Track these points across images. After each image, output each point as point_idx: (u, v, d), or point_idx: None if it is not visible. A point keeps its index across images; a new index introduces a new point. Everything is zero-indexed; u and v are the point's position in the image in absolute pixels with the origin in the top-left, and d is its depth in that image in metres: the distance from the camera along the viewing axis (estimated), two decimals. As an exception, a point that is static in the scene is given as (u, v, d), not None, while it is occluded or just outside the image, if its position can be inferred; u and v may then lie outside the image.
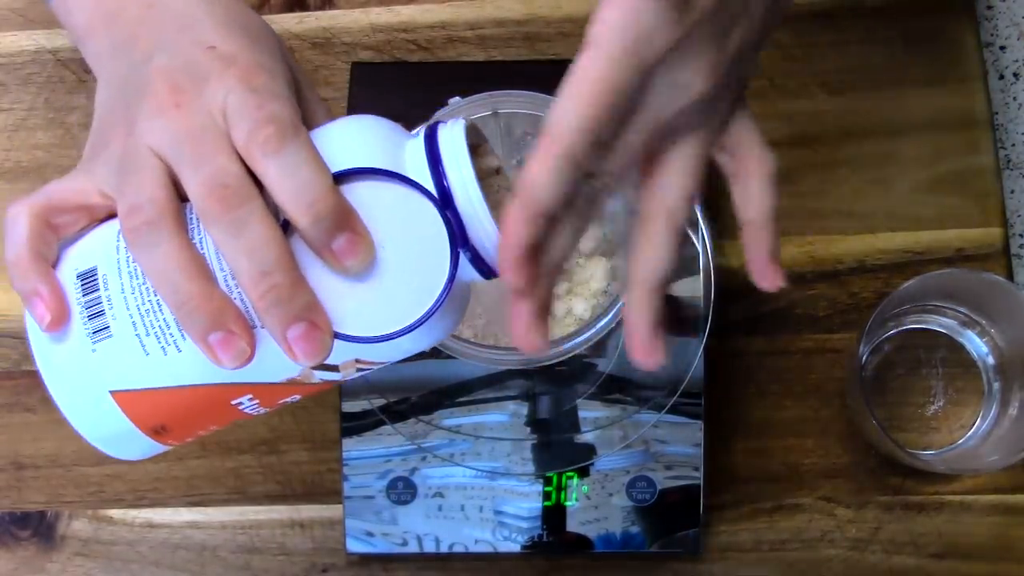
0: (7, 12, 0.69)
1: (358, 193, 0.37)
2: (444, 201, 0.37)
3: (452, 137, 0.38)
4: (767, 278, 0.43)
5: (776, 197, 0.42)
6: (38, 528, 0.63)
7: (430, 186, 0.37)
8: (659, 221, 0.39)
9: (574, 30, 0.67)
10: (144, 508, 0.64)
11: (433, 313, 0.37)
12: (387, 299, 0.37)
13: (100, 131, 0.42)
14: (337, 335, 0.36)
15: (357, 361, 0.39)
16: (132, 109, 0.39)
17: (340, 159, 0.37)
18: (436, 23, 0.67)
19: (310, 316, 0.36)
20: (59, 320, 0.38)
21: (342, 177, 0.37)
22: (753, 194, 0.42)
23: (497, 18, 0.67)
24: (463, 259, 0.38)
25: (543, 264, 0.37)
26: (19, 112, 0.68)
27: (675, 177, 0.39)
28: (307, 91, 0.44)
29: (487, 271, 0.38)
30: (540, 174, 0.35)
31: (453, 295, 0.38)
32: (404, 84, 0.64)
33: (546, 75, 0.64)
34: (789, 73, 0.66)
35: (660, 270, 0.39)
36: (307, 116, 0.42)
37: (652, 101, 0.36)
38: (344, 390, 0.59)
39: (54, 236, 0.40)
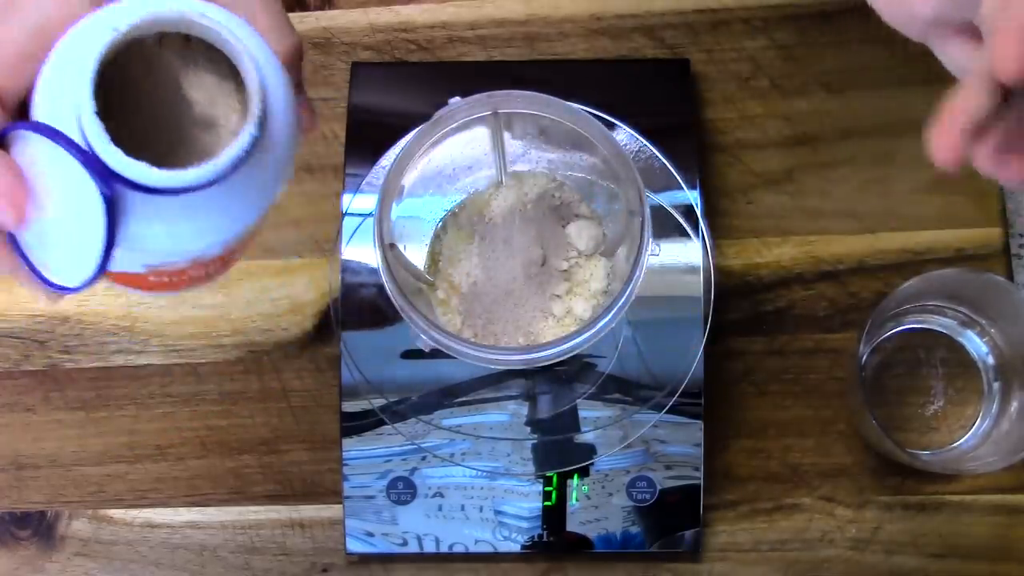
0: (7, 12, 0.69)
1: (19, 145, 0.35)
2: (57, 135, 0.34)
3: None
4: None
5: None
6: (38, 528, 0.63)
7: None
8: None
9: (574, 30, 0.67)
10: (144, 508, 0.64)
11: (111, 249, 0.35)
12: (68, 243, 0.36)
13: None
14: (51, 285, 0.37)
15: (150, 269, 0.38)
16: None
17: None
18: (436, 23, 0.67)
19: None
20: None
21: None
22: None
23: (497, 18, 0.67)
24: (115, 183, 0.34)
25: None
26: (19, 112, 0.68)
27: None
28: None
29: (134, 184, 0.34)
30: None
31: (140, 217, 0.35)
32: (404, 84, 0.64)
33: (546, 75, 0.65)
34: (789, 73, 0.66)
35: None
36: None
37: None
38: (344, 390, 0.59)
39: None
